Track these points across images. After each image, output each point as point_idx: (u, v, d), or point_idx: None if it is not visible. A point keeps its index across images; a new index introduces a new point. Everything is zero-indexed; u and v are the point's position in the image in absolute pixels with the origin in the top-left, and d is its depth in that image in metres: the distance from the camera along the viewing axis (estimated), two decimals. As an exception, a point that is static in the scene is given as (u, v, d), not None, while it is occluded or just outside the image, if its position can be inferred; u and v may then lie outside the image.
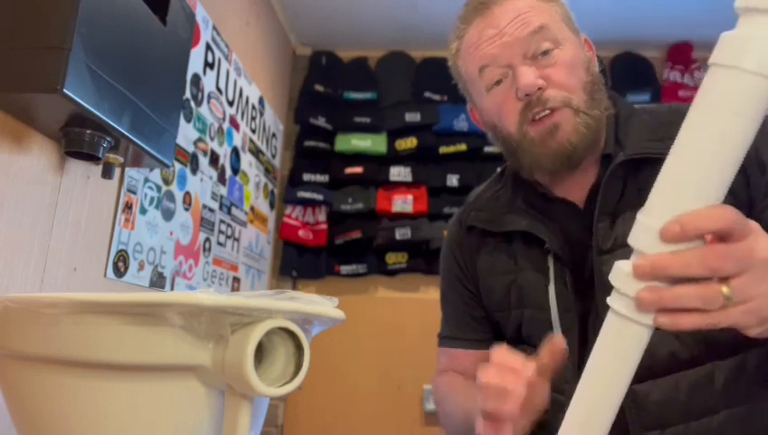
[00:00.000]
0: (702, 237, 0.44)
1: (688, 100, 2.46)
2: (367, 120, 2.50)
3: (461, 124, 2.44)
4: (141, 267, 1.36)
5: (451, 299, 0.94)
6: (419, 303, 2.34)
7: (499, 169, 0.94)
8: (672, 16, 2.39)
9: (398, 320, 2.31)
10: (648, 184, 0.75)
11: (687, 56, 2.56)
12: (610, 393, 0.48)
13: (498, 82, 0.77)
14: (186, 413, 0.51)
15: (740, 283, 0.43)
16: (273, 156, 2.40)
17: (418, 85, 2.57)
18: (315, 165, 2.49)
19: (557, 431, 0.75)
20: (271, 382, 0.49)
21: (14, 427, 0.55)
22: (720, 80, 0.44)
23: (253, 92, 2.11)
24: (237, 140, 1.96)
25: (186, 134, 1.56)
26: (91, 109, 0.87)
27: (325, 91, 2.54)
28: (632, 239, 0.47)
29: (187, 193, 1.58)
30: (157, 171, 1.41)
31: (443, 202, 2.39)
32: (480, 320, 0.90)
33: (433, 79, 2.56)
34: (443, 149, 2.44)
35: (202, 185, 1.67)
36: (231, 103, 1.89)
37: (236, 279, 1.97)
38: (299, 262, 2.40)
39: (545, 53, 0.74)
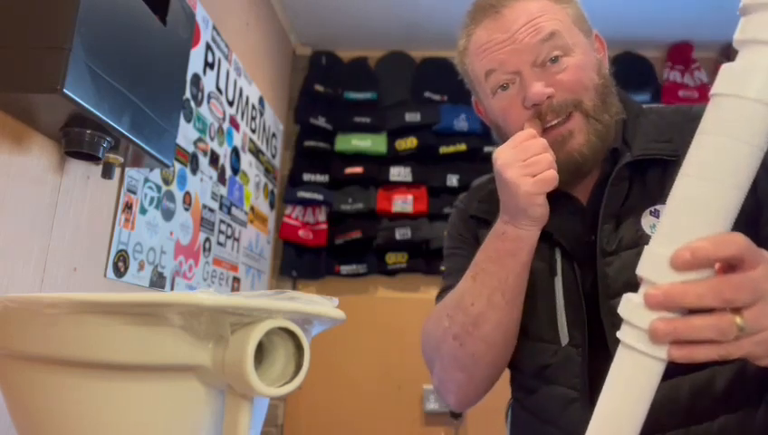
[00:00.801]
0: (712, 266, 0.43)
1: (688, 100, 2.46)
2: (367, 120, 2.50)
3: (461, 124, 2.44)
4: (141, 267, 1.36)
5: (456, 254, 0.90)
6: (419, 303, 2.34)
7: None
8: (672, 16, 2.39)
9: (398, 320, 2.31)
10: (653, 184, 0.75)
11: (687, 56, 2.56)
12: (626, 431, 0.46)
13: (505, 87, 0.76)
14: (186, 413, 0.51)
15: (753, 313, 0.43)
16: (273, 156, 2.40)
17: (418, 85, 2.57)
18: (315, 165, 2.49)
19: (564, 425, 0.75)
20: (271, 382, 0.49)
21: (14, 427, 0.55)
22: (727, 109, 0.44)
23: (253, 92, 2.11)
24: (237, 140, 1.96)
25: (186, 134, 1.56)
26: (91, 109, 0.87)
27: (325, 91, 2.54)
28: (641, 268, 0.46)
29: (187, 193, 1.58)
30: (157, 171, 1.41)
31: (443, 202, 2.39)
32: None
33: (433, 79, 2.56)
34: (443, 149, 2.44)
35: (202, 185, 1.67)
36: (231, 103, 1.89)
37: (236, 279, 1.97)
38: (299, 262, 2.40)
39: (555, 60, 0.73)
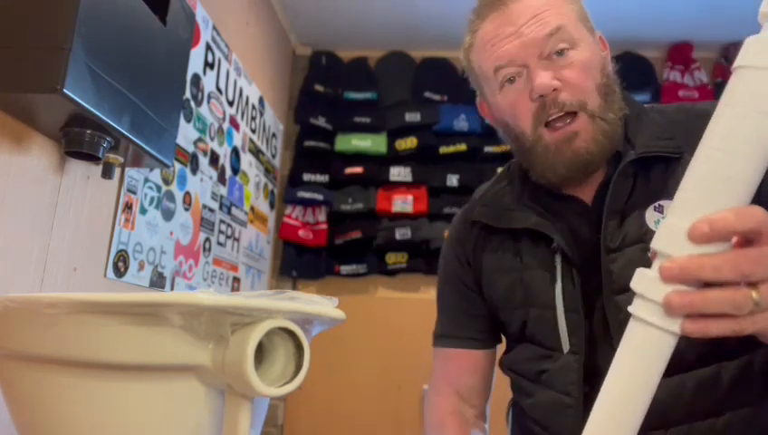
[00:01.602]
0: (730, 240, 0.42)
1: (688, 100, 2.46)
2: (367, 120, 2.50)
3: (461, 124, 2.44)
4: (141, 267, 1.36)
5: (449, 296, 0.93)
6: (419, 303, 2.34)
7: (505, 166, 0.93)
8: (672, 16, 2.39)
9: (398, 320, 2.31)
10: (657, 182, 0.75)
11: (687, 56, 2.56)
12: (635, 407, 0.46)
13: (511, 80, 0.76)
14: (186, 413, 0.51)
15: (767, 289, 0.42)
16: (273, 156, 2.40)
17: (418, 85, 2.57)
18: (315, 165, 2.49)
19: (558, 431, 0.75)
20: (271, 382, 0.49)
21: (14, 427, 0.55)
22: (749, 81, 0.43)
23: (253, 92, 2.11)
24: (237, 140, 1.96)
25: (186, 134, 1.56)
26: (91, 109, 0.87)
27: (325, 91, 2.54)
28: (657, 241, 0.45)
29: (187, 193, 1.58)
30: (157, 171, 1.41)
31: (443, 202, 2.39)
32: (477, 318, 0.89)
33: (433, 79, 2.56)
34: (443, 149, 2.44)
35: (202, 185, 1.67)
36: (231, 103, 1.89)
37: (236, 279, 1.97)
38: (299, 262, 2.40)
39: (561, 52, 0.74)
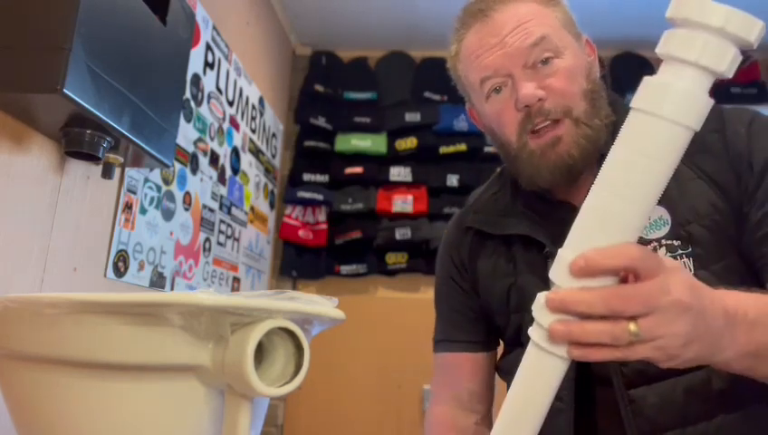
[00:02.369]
0: (615, 275, 0.45)
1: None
2: (367, 120, 2.50)
3: (461, 124, 2.44)
4: (141, 267, 1.36)
5: (445, 300, 0.93)
6: (419, 303, 2.34)
7: (498, 170, 0.94)
8: (672, 16, 2.39)
9: (398, 320, 2.31)
10: None
11: (687, 56, 2.55)
12: (526, 422, 0.49)
13: (497, 90, 0.76)
14: (186, 413, 0.51)
15: (647, 322, 0.44)
16: (273, 156, 2.40)
17: (418, 85, 2.57)
18: (315, 165, 2.49)
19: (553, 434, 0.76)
20: (271, 382, 0.49)
21: (14, 427, 0.55)
22: (639, 124, 0.45)
23: (253, 92, 2.11)
24: (237, 140, 1.96)
25: (186, 134, 1.56)
26: (91, 109, 0.87)
27: (325, 91, 2.54)
28: (551, 271, 0.47)
29: (187, 193, 1.58)
30: (157, 171, 1.41)
31: (443, 202, 2.39)
32: (475, 321, 0.90)
33: (433, 79, 2.56)
34: (443, 149, 2.44)
35: (202, 185, 1.67)
36: (231, 103, 1.89)
37: (236, 279, 1.97)
38: (299, 262, 2.40)
39: (545, 61, 0.74)
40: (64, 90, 0.81)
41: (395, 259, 2.37)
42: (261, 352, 0.49)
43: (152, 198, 1.40)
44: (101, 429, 0.50)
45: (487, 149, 2.41)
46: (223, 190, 1.82)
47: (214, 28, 1.74)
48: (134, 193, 1.33)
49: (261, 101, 2.21)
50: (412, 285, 2.41)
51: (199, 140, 1.65)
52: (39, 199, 1.03)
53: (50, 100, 0.84)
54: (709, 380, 0.68)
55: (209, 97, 1.71)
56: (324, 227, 2.42)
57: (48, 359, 0.50)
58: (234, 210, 1.92)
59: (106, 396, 0.49)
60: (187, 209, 1.58)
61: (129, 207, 1.30)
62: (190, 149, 1.59)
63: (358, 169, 2.44)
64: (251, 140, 2.10)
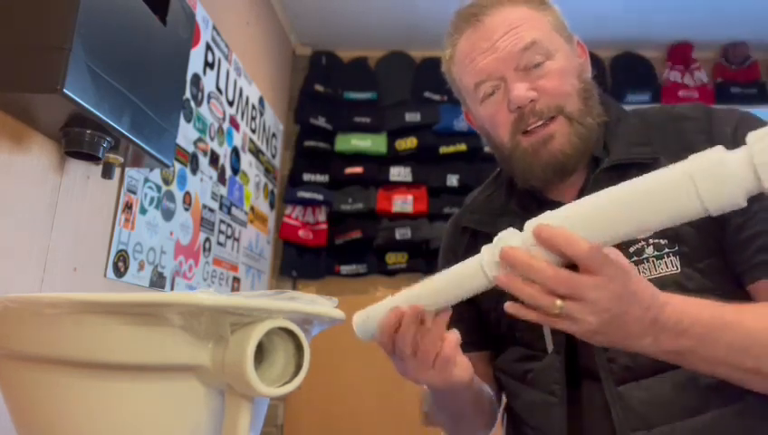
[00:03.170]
0: (563, 257, 0.53)
1: (688, 100, 2.46)
2: (367, 120, 2.50)
3: (461, 124, 2.44)
4: (141, 267, 1.36)
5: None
6: (419, 303, 2.34)
7: (495, 171, 0.95)
8: (672, 16, 2.39)
9: (398, 320, 2.31)
10: None
11: (687, 56, 2.56)
12: (435, 296, 0.62)
13: (491, 93, 0.78)
14: (186, 413, 0.51)
15: (572, 306, 0.53)
16: (273, 156, 2.40)
17: (418, 85, 2.57)
18: (315, 165, 2.49)
19: (544, 430, 0.76)
20: (271, 382, 0.49)
21: (14, 427, 0.55)
22: (682, 184, 0.49)
23: (253, 92, 2.11)
24: (237, 140, 1.96)
25: (186, 134, 1.56)
26: (91, 109, 0.87)
27: (325, 91, 2.54)
28: (528, 221, 0.55)
29: (187, 193, 1.58)
30: (157, 171, 1.41)
31: (443, 202, 2.39)
32: (468, 321, 0.89)
33: (433, 79, 2.55)
34: (443, 149, 2.44)
35: (202, 185, 1.67)
36: (231, 103, 1.89)
37: (236, 279, 1.97)
38: (299, 262, 2.40)
39: (537, 65, 0.75)
40: (64, 90, 0.81)
41: (395, 259, 2.37)
42: (261, 352, 0.49)
43: (152, 198, 1.40)
44: (101, 429, 0.50)
45: (487, 149, 2.41)
46: (223, 190, 1.82)
47: (214, 28, 1.74)
48: (134, 193, 1.33)
49: (261, 101, 2.21)
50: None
51: (199, 140, 1.65)
52: (39, 199, 1.03)
53: (50, 100, 0.84)
54: (696, 376, 0.68)
55: (209, 97, 1.71)
56: (324, 227, 2.42)
57: (48, 359, 0.50)
58: (234, 210, 1.92)
59: (106, 396, 0.49)
60: (187, 209, 1.58)
61: (129, 207, 1.30)
62: (190, 149, 1.59)
63: (358, 169, 2.44)
64: (251, 140, 2.10)
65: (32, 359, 0.51)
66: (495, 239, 0.57)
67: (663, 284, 0.63)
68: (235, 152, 1.94)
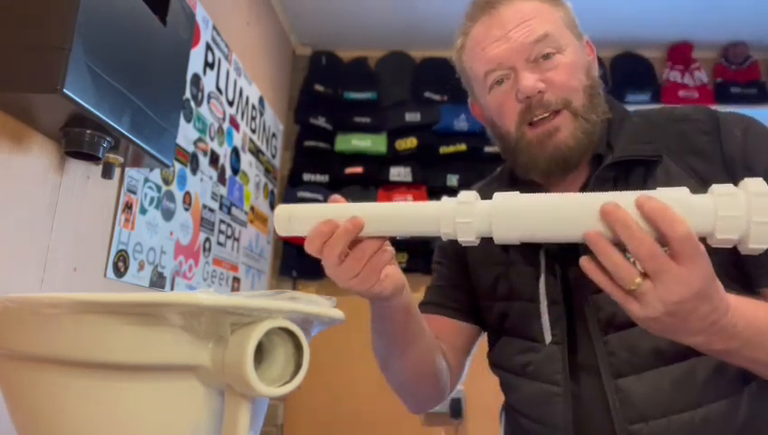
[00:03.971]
0: (660, 233, 0.50)
1: (688, 100, 2.46)
2: (367, 120, 2.50)
3: (461, 124, 2.44)
4: (141, 267, 1.36)
5: (439, 266, 0.95)
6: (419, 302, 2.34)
7: (497, 170, 0.96)
8: (672, 16, 2.39)
9: (398, 320, 2.31)
10: (636, 184, 0.77)
11: (687, 56, 2.56)
12: (395, 226, 0.69)
13: (500, 82, 0.79)
14: (186, 413, 0.51)
15: (648, 286, 0.50)
16: (273, 156, 2.40)
17: (418, 85, 2.57)
18: (315, 165, 2.49)
19: (548, 421, 0.76)
20: (271, 382, 0.49)
21: (14, 427, 0.55)
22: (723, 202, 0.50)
23: (253, 92, 2.11)
24: (237, 140, 1.96)
25: (186, 134, 1.56)
26: (91, 109, 0.87)
27: (325, 91, 2.54)
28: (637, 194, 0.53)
29: (187, 193, 1.58)
30: (157, 171, 1.41)
31: (443, 202, 2.39)
32: (463, 290, 0.91)
33: (433, 79, 2.56)
34: (443, 149, 2.44)
35: (202, 185, 1.67)
36: (231, 103, 1.89)
37: (236, 279, 1.97)
38: (299, 262, 2.40)
39: (547, 56, 0.76)
40: (64, 90, 0.81)
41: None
42: (261, 352, 0.49)
43: (152, 198, 1.40)
44: (101, 429, 0.50)
45: (487, 149, 2.41)
46: (223, 190, 1.82)
47: (214, 28, 1.74)
48: (134, 193, 1.33)
49: (261, 101, 2.21)
50: (412, 284, 2.36)
51: (199, 139, 1.65)
52: (39, 199, 1.03)
53: (50, 100, 0.84)
54: (693, 370, 0.69)
55: (209, 97, 1.71)
56: (324, 227, 2.42)
57: (48, 359, 0.50)
58: (234, 210, 1.92)
59: (106, 396, 0.49)
60: (187, 209, 1.58)
61: (129, 207, 1.30)
62: (190, 149, 1.59)
63: (358, 169, 2.44)
64: (251, 140, 2.10)
65: (31, 359, 0.51)
66: (461, 196, 0.60)
67: None
68: (235, 152, 1.94)
